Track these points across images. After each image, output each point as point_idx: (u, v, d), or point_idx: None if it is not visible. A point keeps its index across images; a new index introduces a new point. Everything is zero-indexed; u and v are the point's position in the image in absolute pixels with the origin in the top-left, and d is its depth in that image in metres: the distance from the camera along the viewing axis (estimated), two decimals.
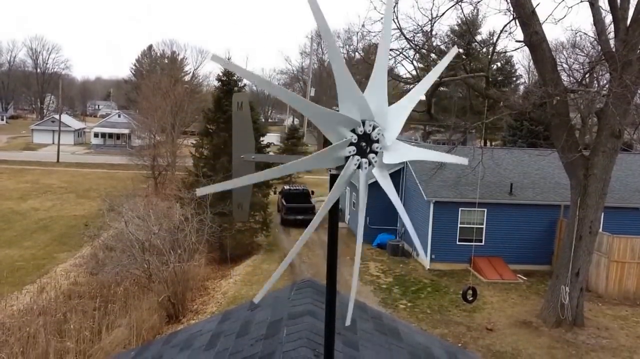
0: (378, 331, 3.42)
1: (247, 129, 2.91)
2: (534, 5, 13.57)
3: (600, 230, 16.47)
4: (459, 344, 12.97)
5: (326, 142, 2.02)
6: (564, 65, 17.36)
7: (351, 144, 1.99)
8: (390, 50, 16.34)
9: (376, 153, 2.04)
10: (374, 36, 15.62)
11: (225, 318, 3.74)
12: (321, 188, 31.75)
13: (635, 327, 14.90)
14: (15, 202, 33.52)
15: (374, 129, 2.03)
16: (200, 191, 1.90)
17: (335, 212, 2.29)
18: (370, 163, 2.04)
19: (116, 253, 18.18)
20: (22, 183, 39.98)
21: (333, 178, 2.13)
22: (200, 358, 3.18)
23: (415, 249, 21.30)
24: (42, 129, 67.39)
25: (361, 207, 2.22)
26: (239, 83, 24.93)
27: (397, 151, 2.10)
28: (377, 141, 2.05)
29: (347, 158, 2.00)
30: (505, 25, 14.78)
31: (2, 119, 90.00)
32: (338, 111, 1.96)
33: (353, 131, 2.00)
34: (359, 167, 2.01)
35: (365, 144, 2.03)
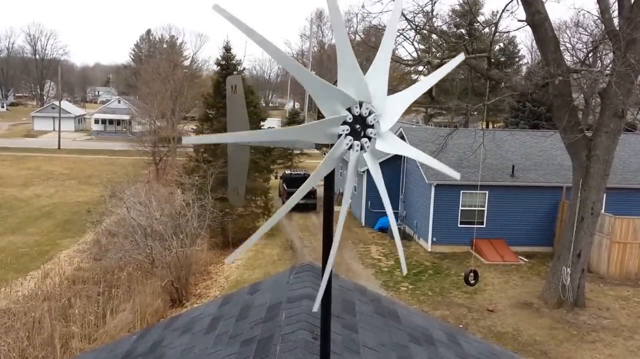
0: (377, 313, 3.42)
1: (241, 111, 2.86)
2: None
3: (602, 211, 16.46)
4: (460, 326, 13.08)
5: (320, 118, 1.98)
6: (567, 45, 17.13)
7: (345, 122, 1.94)
8: None
9: (370, 138, 2.00)
10: (374, 17, 15.37)
11: (225, 301, 3.75)
12: None
13: (636, 307, 14.98)
14: (18, 189, 33.64)
15: (370, 113, 1.98)
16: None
17: (331, 194, 2.26)
18: (362, 147, 1.99)
19: (119, 239, 18.30)
20: (24, 170, 40.06)
21: None
22: (200, 341, 3.20)
23: (416, 232, 21.36)
24: (42, 116, 67.33)
25: (350, 185, 2.16)
26: (238, 67, 24.73)
27: (388, 141, 2.05)
28: (372, 127, 2.00)
29: (339, 137, 1.96)
30: (507, 5, 14.54)
31: (3, 107, 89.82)
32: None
33: (349, 110, 1.96)
34: (350, 147, 1.97)
35: (360, 126, 1.98)
